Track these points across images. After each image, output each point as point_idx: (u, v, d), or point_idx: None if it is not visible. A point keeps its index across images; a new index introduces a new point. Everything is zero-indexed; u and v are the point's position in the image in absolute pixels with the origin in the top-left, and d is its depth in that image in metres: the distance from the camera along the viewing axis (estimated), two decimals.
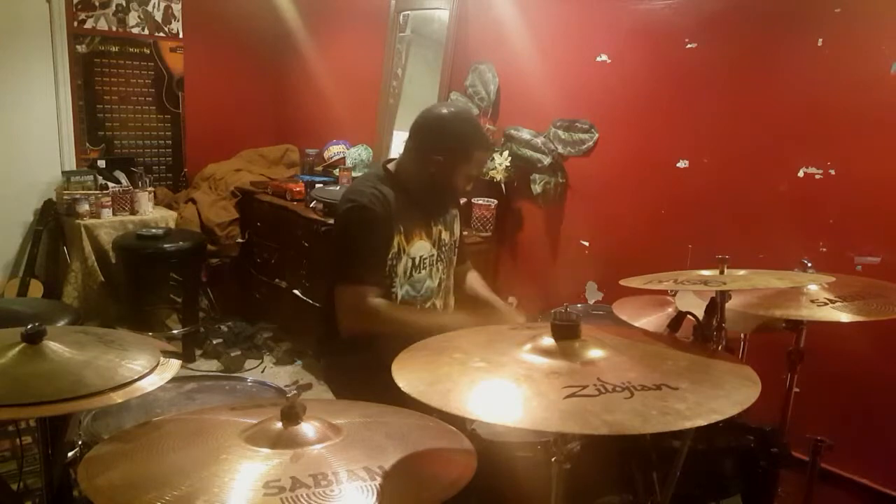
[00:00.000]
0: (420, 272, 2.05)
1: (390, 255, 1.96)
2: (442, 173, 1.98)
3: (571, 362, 1.12)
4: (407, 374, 1.13)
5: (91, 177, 4.20)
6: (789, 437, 1.75)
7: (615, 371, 1.10)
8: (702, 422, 0.96)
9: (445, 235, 2.13)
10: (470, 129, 2.01)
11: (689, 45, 2.65)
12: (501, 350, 1.19)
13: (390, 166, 2.09)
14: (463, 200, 2.67)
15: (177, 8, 4.61)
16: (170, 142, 4.78)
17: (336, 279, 1.94)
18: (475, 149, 1.98)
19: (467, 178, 2.02)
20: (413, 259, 2.02)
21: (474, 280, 2.29)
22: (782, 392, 1.78)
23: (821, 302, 1.61)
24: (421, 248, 2.04)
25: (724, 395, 1.06)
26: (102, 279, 3.94)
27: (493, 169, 3.26)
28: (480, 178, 3.29)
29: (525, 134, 3.23)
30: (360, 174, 3.72)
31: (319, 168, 4.36)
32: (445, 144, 1.95)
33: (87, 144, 4.44)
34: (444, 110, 2.05)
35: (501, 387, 1.08)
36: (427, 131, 2.00)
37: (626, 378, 1.06)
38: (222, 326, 4.08)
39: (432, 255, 2.07)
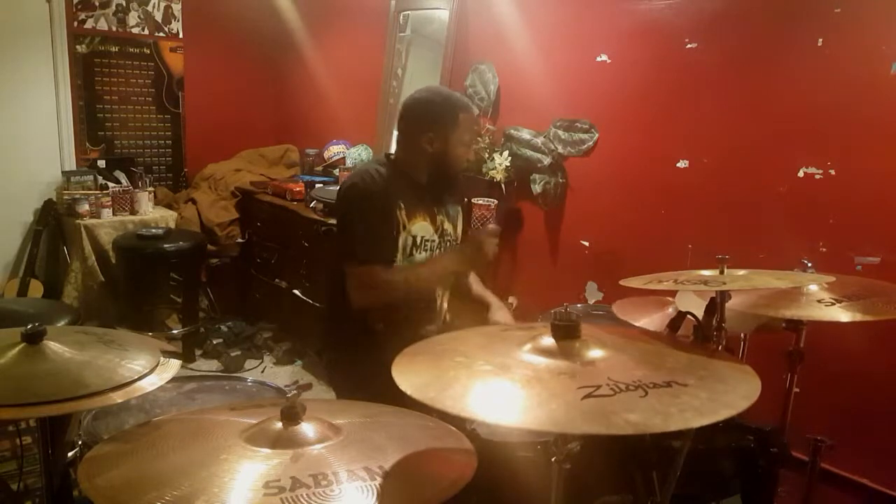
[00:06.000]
0: (420, 253, 2.07)
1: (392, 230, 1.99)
2: (440, 147, 2.04)
3: (576, 362, 1.12)
4: (411, 378, 1.11)
5: (91, 177, 4.21)
6: (789, 437, 1.75)
7: (622, 370, 1.09)
8: (719, 417, 0.97)
9: (448, 227, 2.16)
10: (444, 97, 2.11)
11: (689, 45, 2.65)
12: (502, 352, 1.19)
13: (391, 155, 2.15)
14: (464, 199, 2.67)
15: (177, 8, 4.61)
16: (170, 142, 4.78)
17: (344, 260, 1.98)
18: (457, 111, 2.05)
19: (464, 144, 2.08)
20: (414, 237, 2.04)
21: (473, 281, 2.31)
22: (782, 392, 1.78)
23: (820, 302, 1.61)
24: (422, 228, 2.06)
25: (731, 390, 1.07)
26: (102, 279, 3.94)
27: (493, 169, 3.26)
28: (483, 178, 3.30)
29: (525, 134, 3.22)
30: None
31: (319, 168, 4.37)
32: (430, 119, 2.04)
33: (87, 144, 4.44)
34: (417, 94, 2.14)
35: (514, 389, 1.06)
36: (410, 116, 2.09)
37: (635, 377, 1.06)
38: (222, 326, 4.09)
39: (433, 240, 2.10)
